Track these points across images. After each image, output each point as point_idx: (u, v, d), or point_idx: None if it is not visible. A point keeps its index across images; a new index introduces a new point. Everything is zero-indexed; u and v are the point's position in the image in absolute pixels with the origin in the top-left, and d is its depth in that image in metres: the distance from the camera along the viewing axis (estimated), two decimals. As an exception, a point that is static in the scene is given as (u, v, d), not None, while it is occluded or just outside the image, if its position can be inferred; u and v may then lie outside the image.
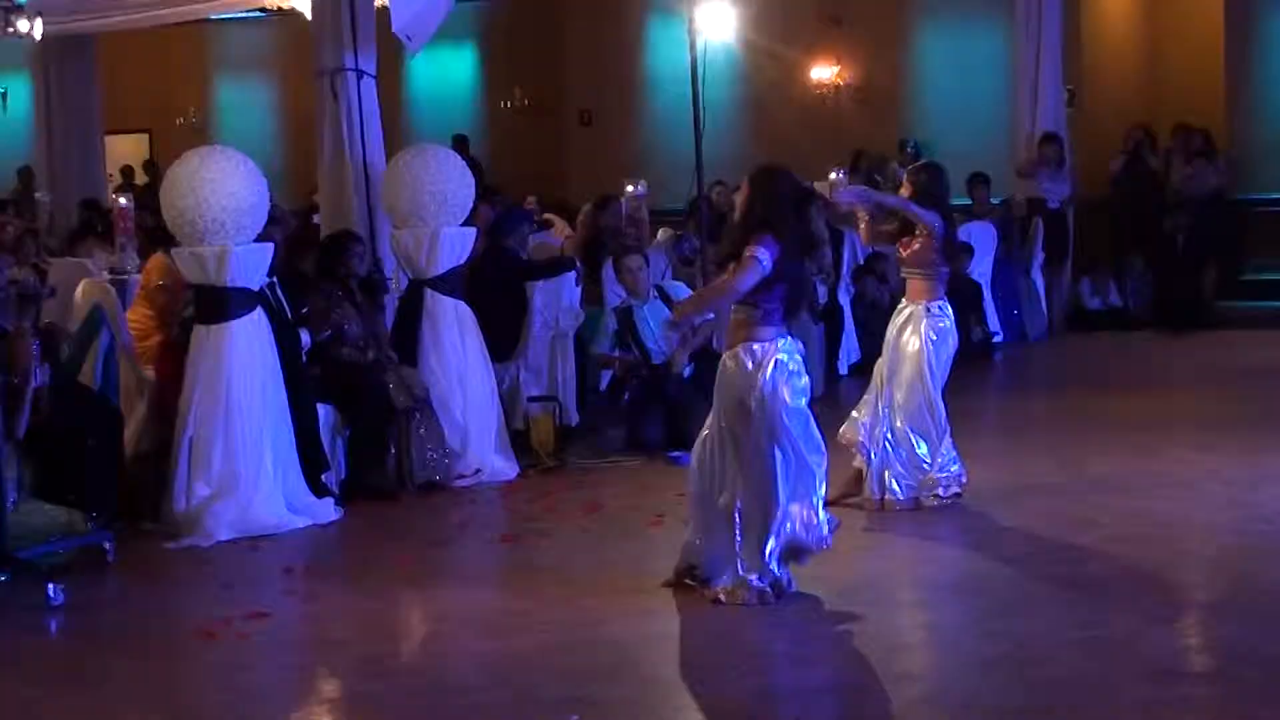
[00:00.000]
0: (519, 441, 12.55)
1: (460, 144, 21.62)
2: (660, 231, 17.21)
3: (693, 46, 14.82)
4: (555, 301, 13.56)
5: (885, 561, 9.41)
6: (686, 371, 13.21)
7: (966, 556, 9.49)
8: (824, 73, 23.66)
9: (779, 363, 8.42)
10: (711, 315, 11.57)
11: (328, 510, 10.89)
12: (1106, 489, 10.89)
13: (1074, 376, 16.80)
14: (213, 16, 23.57)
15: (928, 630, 8.12)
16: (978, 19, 22.60)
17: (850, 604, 8.34)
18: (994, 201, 19.70)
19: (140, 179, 25.82)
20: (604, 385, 14.22)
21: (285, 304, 11.21)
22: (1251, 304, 20.07)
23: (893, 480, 10.43)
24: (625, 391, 13.26)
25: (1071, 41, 20.69)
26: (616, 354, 13.38)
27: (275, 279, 11.16)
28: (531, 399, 13.07)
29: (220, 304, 10.60)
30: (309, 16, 13.91)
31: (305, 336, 11.42)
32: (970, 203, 19.02)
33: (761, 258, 8.35)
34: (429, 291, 12.17)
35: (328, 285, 11.83)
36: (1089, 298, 20.43)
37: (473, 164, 14.08)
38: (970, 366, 16.59)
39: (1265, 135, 21.51)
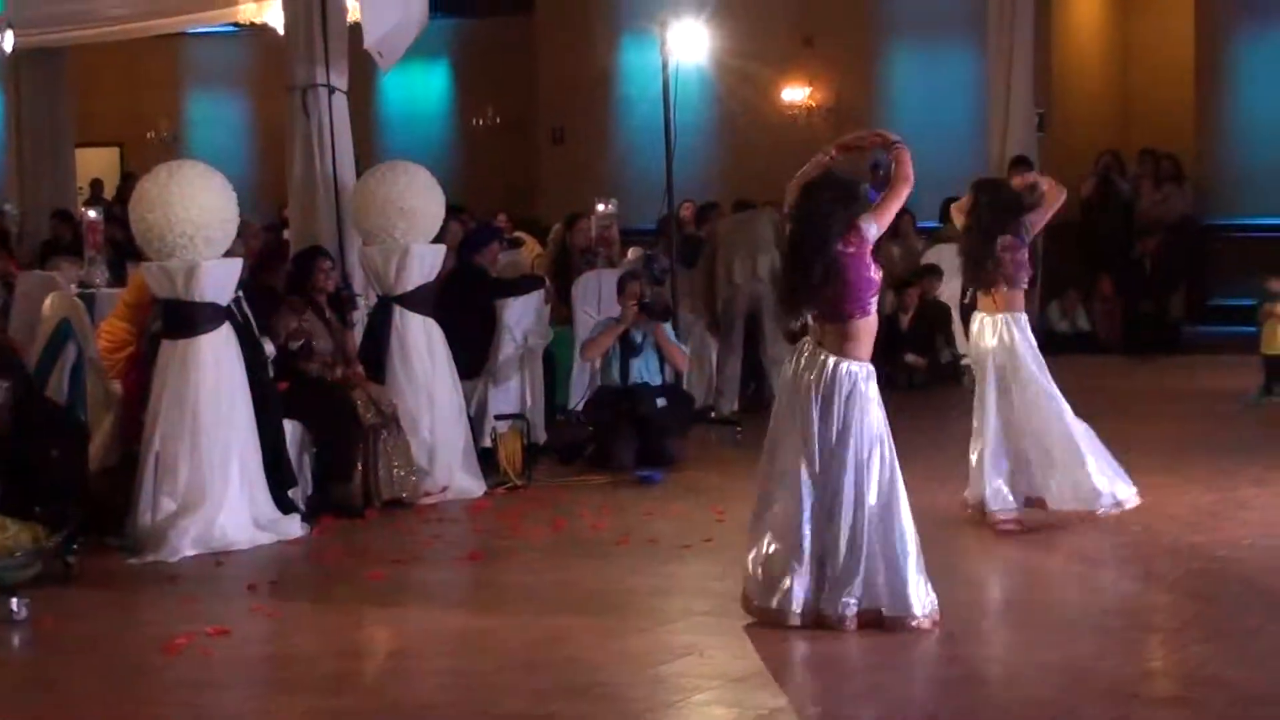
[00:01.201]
0: (486, 459, 12.53)
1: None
2: (630, 250, 17.23)
3: (665, 66, 14.88)
4: (524, 319, 13.56)
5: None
6: (660, 401, 13.27)
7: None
8: (795, 94, 23.72)
9: None
10: None
11: (294, 527, 10.86)
12: (1070, 514, 10.89)
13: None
14: (185, 31, 23.54)
15: (889, 652, 8.11)
16: (949, 42, 22.67)
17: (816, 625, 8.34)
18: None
19: (109, 192, 25.76)
20: (575, 403, 14.24)
21: (253, 319, 11.19)
22: (1219, 329, 20.14)
23: None
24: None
25: (1042, 65, 20.74)
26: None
27: (242, 293, 11.13)
28: (499, 417, 13.06)
29: (188, 319, 10.58)
30: (281, 32, 13.91)
31: (270, 347, 11.39)
32: (940, 225, 19.05)
33: None
34: (398, 308, 12.15)
35: (296, 301, 11.81)
36: (1057, 321, 20.48)
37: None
38: (938, 389, 16.69)
39: (1233, 161, 21.60)
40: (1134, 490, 10.47)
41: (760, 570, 8.37)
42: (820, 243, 8.26)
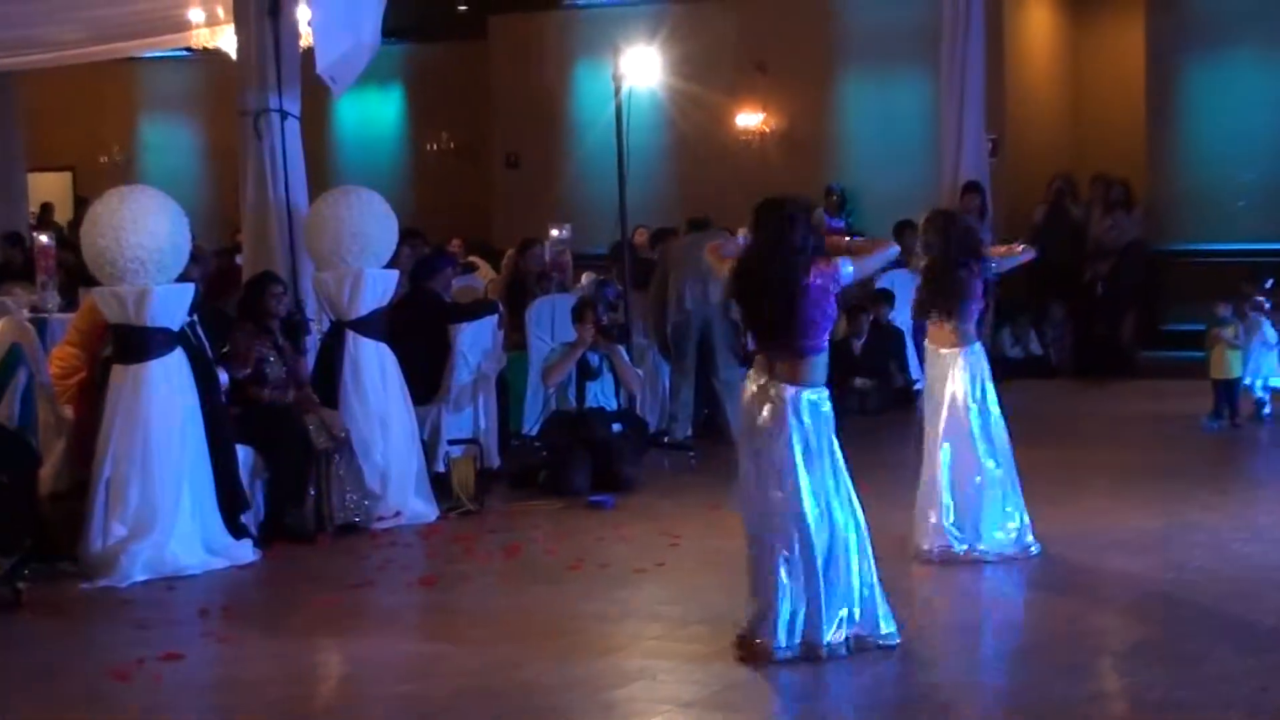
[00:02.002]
0: (440, 484, 12.52)
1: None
2: (583, 276, 17.25)
3: (617, 92, 14.91)
4: (478, 344, 13.56)
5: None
6: (615, 426, 13.31)
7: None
8: (749, 119, 23.77)
9: None
10: None
11: (246, 552, 10.84)
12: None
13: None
14: (138, 55, 23.51)
15: (839, 676, 8.13)
16: (902, 67, 22.75)
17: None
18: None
19: (63, 216, 25.67)
20: (528, 428, 14.24)
21: (206, 343, 11.18)
22: (1170, 354, 20.22)
23: None
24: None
25: (995, 91, 20.83)
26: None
27: (196, 318, 11.12)
28: (452, 442, 13.04)
29: (140, 344, 10.56)
30: (234, 57, 13.90)
31: (223, 375, 11.38)
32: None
33: None
34: (351, 333, 12.14)
35: (248, 326, 11.79)
36: (1010, 346, 20.53)
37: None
38: (892, 414, 16.72)
39: (1185, 186, 21.71)
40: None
41: (755, 609, 8.36)
42: (789, 276, 8.27)
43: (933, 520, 10.38)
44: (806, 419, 8.23)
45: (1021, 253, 11.05)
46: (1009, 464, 10.46)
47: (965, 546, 10.28)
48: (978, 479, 10.36)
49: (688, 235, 16.18)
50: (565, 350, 13.57)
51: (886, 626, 8.31)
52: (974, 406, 10.41)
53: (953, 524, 10.33)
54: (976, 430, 10.39)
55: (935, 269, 10.57)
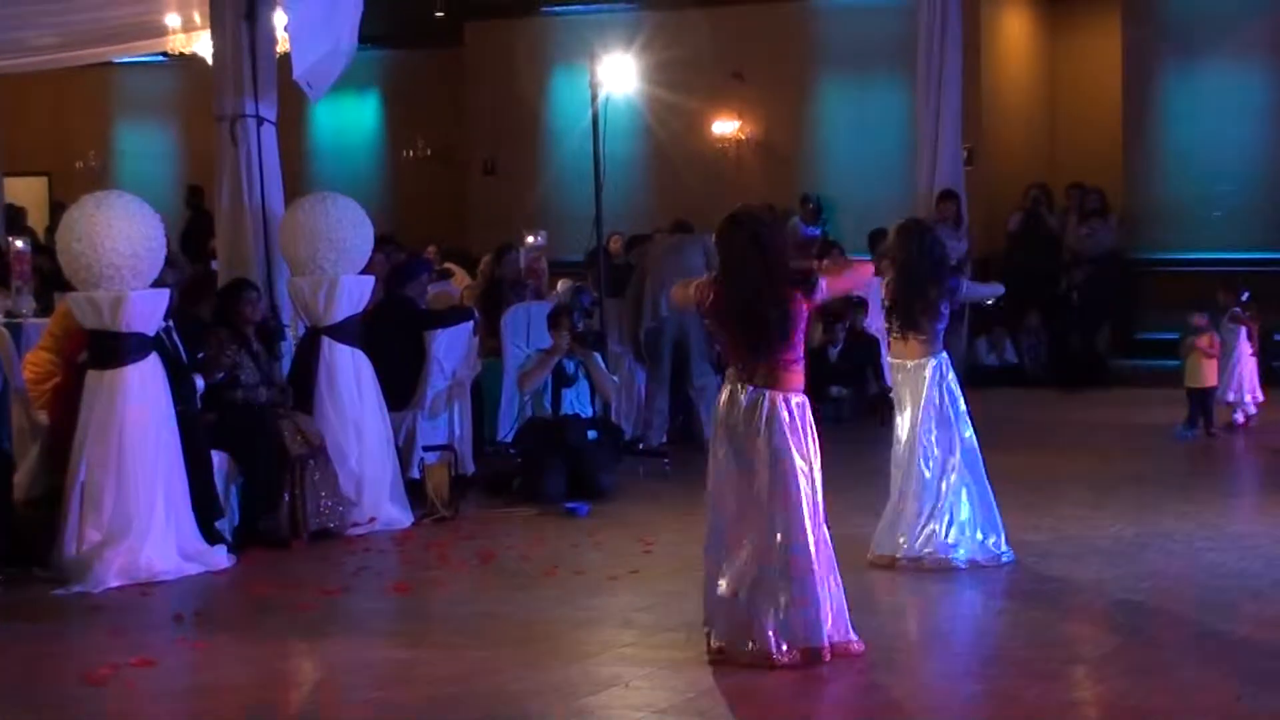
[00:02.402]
0: (414, 491, 12.51)
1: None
2: (559, 283, 17.25)
3: (594, 99, 14.92)
4: (453, 351, 13.55)
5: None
6: (590, 434, 13.31)
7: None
8: (725, 126, 23.80)
9: None
10: None
11: (220, 557, 10.82)
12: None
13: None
14: (114, 60, 23.46)
15: (813, 683, 8.14)
16: (879, 77, 22.80)
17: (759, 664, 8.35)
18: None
19: (38, 221, 25.57)
20: (503, 435, 14.24)
21: (181, 349, 11.16)
22: (1145, 362, 20.27)
23: None
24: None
25: (971, 100, 20.89)
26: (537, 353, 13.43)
27: (172, 324, 11.11)
28: (427, 448, 13.03)
29: (115, 349, 10.53)
30: (210, 62, 13.88)
31: (199, 382, 11.36)
32: (869, 257, 19.11)
33: None
34: (326, 339, 12.13)
35: (223, 332, 11.77)
36: (985, 355, 20.61)
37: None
38: (865, 422, 16.75)
39: (1160, 196, 21.77)
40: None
41: (723, 611, 8.36)
42: (761, 304, 8.27)
43: (902, 528, 10.39)
44: (796, 419, 8.26)
45: (991, 289, 11.04)
46: (979, 472, 10.47)
47: (934, 553, 10.29)
48: (944, 486, 10.36)
49: (669, 237, 16.17)
50: (541, 357, 13.57)
51: (853, 633, 8.33)
52: (943, 416, 10.42)
53: (922, 532, 10.33)
54: (946, 440, 10.41)
55: (904, 282, 10.53)
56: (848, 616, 8.35)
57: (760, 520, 8.26)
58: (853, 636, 8.32)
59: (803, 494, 8.24)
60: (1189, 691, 7.77)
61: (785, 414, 8.26)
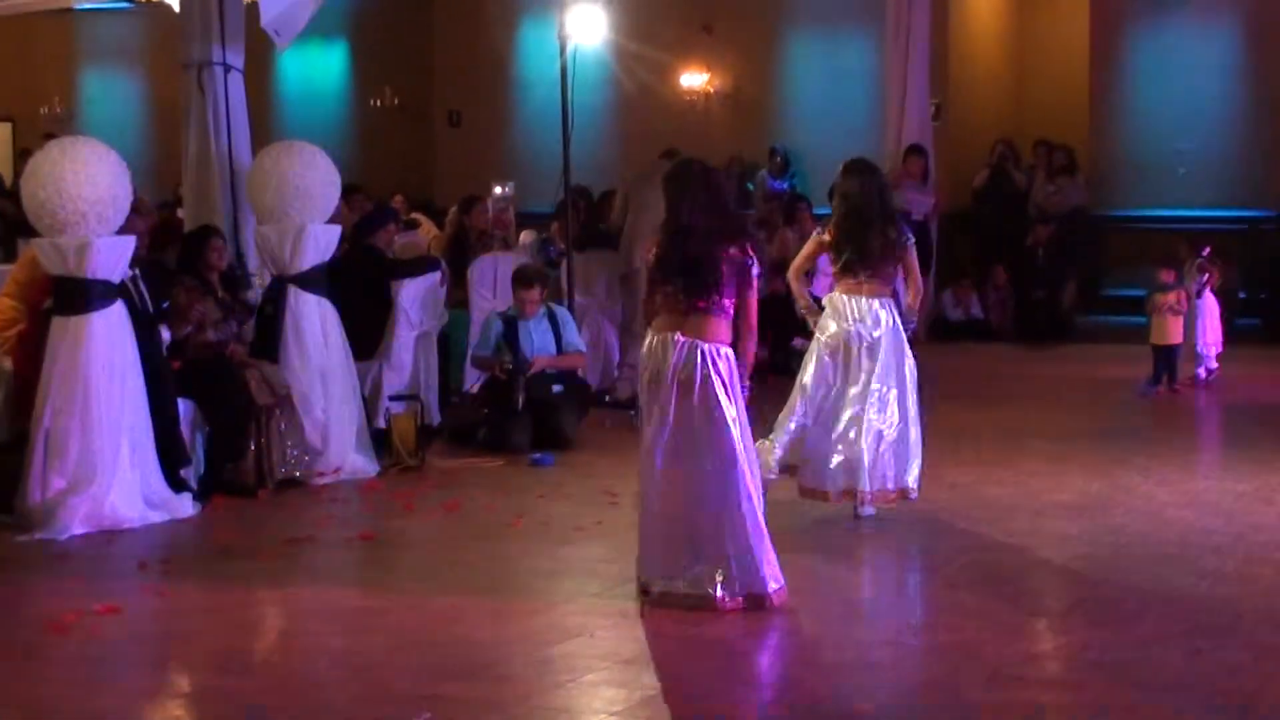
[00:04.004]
0: (380, 440, 12.52)
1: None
2: (523, 234, 17.23)
3: (563, 50, 14.88)
4: (419, 301, 13.53)
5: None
6: (556, 387, 13.30)
7: (813, 561, 9.50)
8: (694, 79, 23.78)
9: None
10: None
11: (186, 505, 10.82)
12: (961, 499, 11.02)
13: (932, 387, 16.95)
14: (79, 6, 23.35)
15: (778, 635, 8.18)
16: (847, 31, 22.80)
17: (703, 609, 8.39)
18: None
19: (3, 169, 25.48)
20: (469, 386, 14.22)
21: (147, 296, 11.13)
22: (1110, 318, 20.38)
23: None
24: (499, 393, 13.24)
25: (939, 56, 20.91)
26: (506, 358, 13.29)
27: (138, 271, 11.08)
28: (393, 398, 13.02)
29: (80, 296, 10.50)
30: (177, 9, 13.83)
31: (165, 333, 11.33)
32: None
33: None
34: (292, 288, 12.10)
35: (189, 279, 11.74)
36: (951, 309, 20.65)
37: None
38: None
39: (1126, 153, 21.84)
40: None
41: (663, 561, 8.42)
42: (711, 238, 8.34)
43: (817, 458, 10.36)
44: (724, 370, 8.32)
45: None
46: (917, 416, 10.47)
47: (853, 485, 10.27)
48: (889, 428, 10.35)
49: (649, 165, 15.99)
50: (494, 354, 13.38)
51: (776, 582, 8.37)
52: (895, 357, 10.37)
53: (839, 465, 10.31)
54: (895, 378, 10.35)
55: (856, 219, 10.43)
56: (769, 563, 8.37)
57: (696, 472, 8.32)
58: (773, 586, 8.35)
59: (736, 443, 8.31)
60: (1149, 644, 7.81)
61: (714, 366, 8.32)
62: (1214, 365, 16.03)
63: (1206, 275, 15.92)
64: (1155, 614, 8.33)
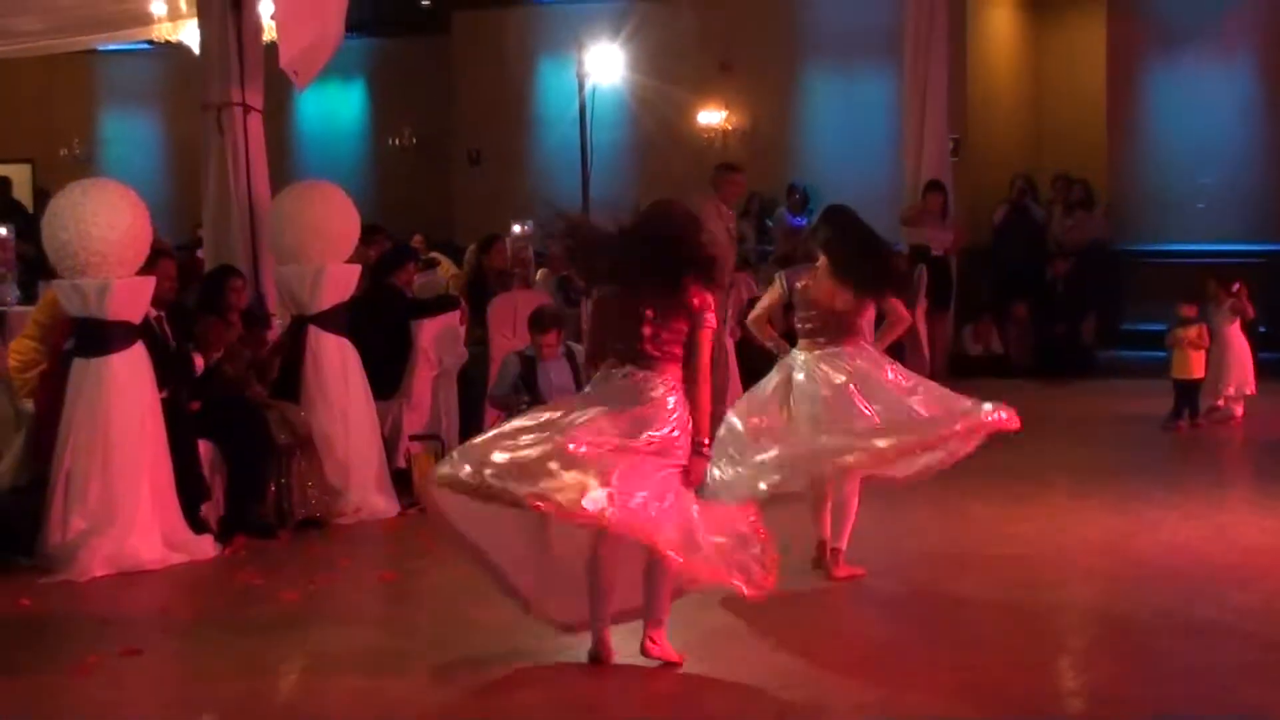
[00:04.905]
0: (400, 480, 12.50)
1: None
2: (540, 272, 17.24)
3: (581, 88, 14.92)
4: (439, 340, 13.52)
5: (742, 609, 8.93)
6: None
7: (837, 601, 9.52)
8: (712, 117, 23.80)
9: None
10: None
11: (206, 547, 10.81)
12: (984, 535, 10.99)
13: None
14: (99, 48, 23.42)
15: (803, 674, 8.15)
16: (865, 67, 22.81)
17: (709, 650, 8.37)
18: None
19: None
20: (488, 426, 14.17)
21: (171, 336, 11.14)
22: (1129, 353, 20.33)
23: None
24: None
25: (957, 91, 20.90)
26: (525, 397, 13.24)
27: (163, 313, 11.10)
28: (414, 437, 13.02)
29: (101, 337, 10.51)
30: (196, 50, 13.86)
31: (198, 360, 11.35)
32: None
33: None
34: (312, 328, 12.11)
35: (213, 318, 11.76)
36: (971, 344, 20.62)
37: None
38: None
39: (1145, 187, 21.82)
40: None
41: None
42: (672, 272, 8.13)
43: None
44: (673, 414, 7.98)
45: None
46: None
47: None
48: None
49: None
50: (510, 390, 13.33)
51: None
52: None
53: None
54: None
55: (842, 257, 10.13)
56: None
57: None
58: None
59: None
60: (1175, 680, 7.78)
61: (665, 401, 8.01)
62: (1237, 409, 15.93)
63: (1238, 319, 15.82)
64: (1181, 650, 8.29)
